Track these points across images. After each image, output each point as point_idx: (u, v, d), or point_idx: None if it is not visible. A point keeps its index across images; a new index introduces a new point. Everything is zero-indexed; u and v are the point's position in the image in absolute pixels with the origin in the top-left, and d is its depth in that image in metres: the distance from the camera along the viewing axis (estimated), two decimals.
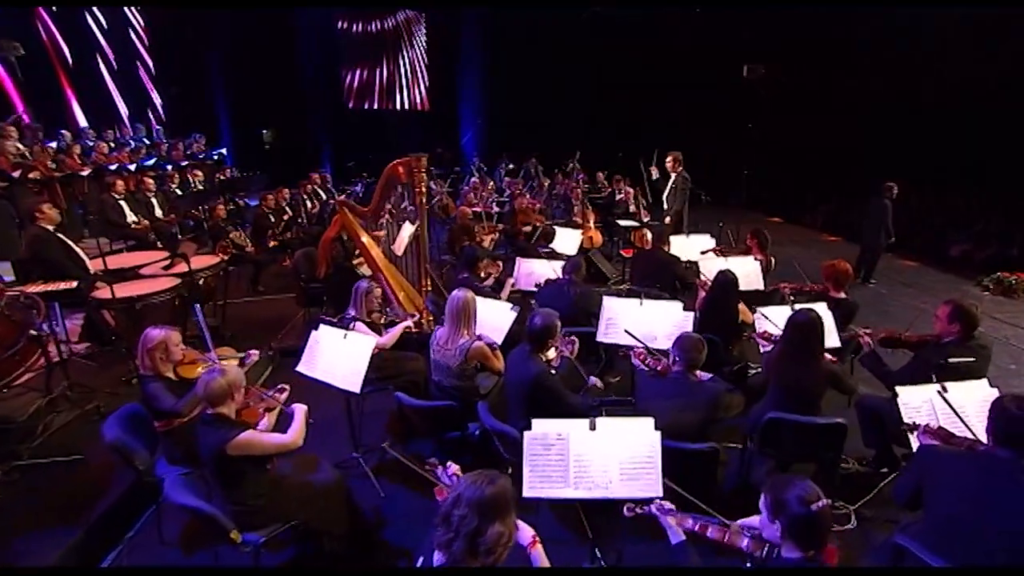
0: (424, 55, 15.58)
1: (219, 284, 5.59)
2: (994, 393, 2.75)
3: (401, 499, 3.43)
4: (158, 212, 7.96)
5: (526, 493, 2.34)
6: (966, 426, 2.47)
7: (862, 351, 3.53)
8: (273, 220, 7.46)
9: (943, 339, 3.26)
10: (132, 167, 9.00)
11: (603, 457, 2.38)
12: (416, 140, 15.59)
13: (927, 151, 10.26)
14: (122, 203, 7.32)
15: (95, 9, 11.57)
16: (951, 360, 3.03)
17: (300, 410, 2.75)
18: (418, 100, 15.91)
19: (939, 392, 2.62)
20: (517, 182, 11.19)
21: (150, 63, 13.01)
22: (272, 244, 7.33)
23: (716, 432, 3.51)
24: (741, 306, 3.99)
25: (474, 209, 9.01)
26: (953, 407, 2.54)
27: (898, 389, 2.70)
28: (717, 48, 7.33)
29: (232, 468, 2.51)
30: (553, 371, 3.08)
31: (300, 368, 3.48)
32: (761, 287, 4.85)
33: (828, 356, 3.37)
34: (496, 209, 8.92)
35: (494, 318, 4.07)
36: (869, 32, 10.70)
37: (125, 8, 12.46)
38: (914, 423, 2.53)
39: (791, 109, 12.48)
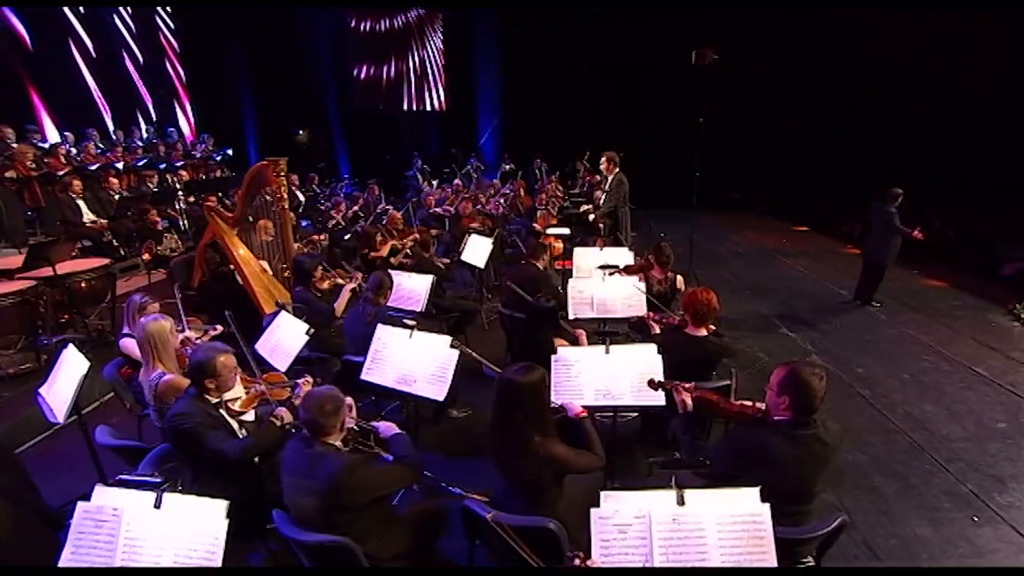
0: (441, 55, 15.30)
1: (107, 287, 5.52)
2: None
3: None
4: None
5: None
6: None
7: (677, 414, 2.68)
8: None
9: (770, 416, 2.31)
10: (120, 165, 9.39)
11: (159, 542, 1.87)
12: (432, 140, 15.51)
13: (979, 154, 8.63)
14: (79, 202, 7.57)
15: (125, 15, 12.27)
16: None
17: None
18: (435, 101, 15.66)
19: None
20: (487, 184, 10.66)
21: (176, 68, 13.66)
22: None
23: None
24: (559, 342, 3.25)
25: (433, 210, 8.60)
26: None
27: (603, 495, 1.84)
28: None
29: None
30: (232, 418, 2.59)
31: (41, 389, 3.21)
32: (643, 313, 4.03)
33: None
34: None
35: (287, 341, 3.63)
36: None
37: (158, 10, 13.16)
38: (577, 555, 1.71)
39: (825, 109, 11.05)
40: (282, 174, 4.67)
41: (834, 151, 11.05)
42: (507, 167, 12.38)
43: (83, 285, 5.22)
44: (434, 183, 11.36)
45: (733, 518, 1.79)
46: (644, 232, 8.16)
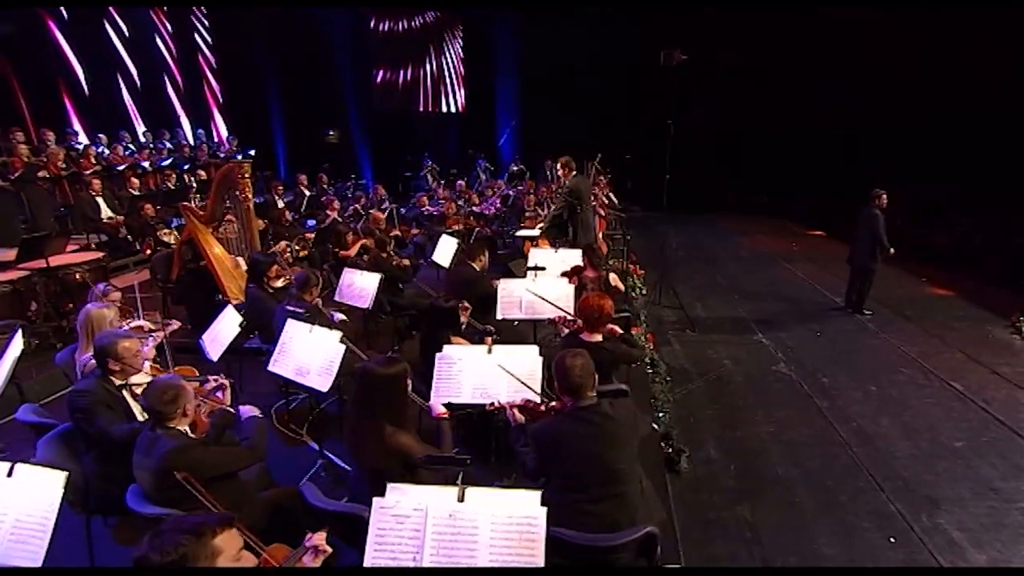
0: (460, 58, 15.48)
1: (101, 279, 5.93)
2: None
3: None
4: None
5: None
6: None
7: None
8: None
9: (565, 407, 2.37)
10: (147, 164, 10.04)
11: (3, 508, 2.06)
12: (451, 142, 15.72)
13: (1009, 159, 8.05)
14: (99, 200, 8.16)
15: (163, 31, 13.07)
16: None
17: None
18: (455, 103, 15.86)
19: None
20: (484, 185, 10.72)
21: (212, 80, 14.42)
22: None
23: None
24: (457, 341, 3.30)
25: (426, 210, 8.77)
26: None
27: (390, 487, 1.88)
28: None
29: None
30: (134, 401, 2.77)
31: None
32: (569, 315, 4.01)
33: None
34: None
35: (223, 333, 3.84)
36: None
37: (199, 28, 13.94)
38: None
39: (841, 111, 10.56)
40: (247, 176, 4.90)
41: (855, 155, 10.55)
42: (515, 168, 12.42)
43: (77, 277, 5.65)
44: (442, 183, 11.53)
45: (510, 519, 1.81)
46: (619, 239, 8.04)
